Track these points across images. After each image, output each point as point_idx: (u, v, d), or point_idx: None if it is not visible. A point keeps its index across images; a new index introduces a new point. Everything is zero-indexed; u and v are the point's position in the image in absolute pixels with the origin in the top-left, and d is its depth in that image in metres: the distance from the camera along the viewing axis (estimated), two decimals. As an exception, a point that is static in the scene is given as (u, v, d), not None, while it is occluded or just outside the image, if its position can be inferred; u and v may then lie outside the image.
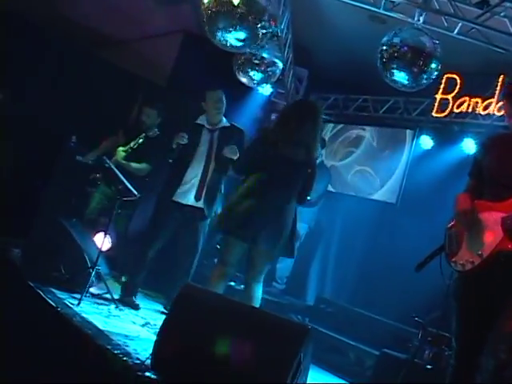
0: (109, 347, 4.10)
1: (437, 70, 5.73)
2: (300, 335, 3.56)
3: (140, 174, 6.74)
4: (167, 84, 9.58)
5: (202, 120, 6.10)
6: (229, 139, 5.91)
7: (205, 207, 5.95)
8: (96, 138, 7.65)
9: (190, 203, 5.95)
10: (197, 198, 5.94)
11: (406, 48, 5.56)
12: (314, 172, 4.83)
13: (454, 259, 3.62)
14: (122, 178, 5.74)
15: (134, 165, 6.73)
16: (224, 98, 6.07)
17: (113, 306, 5.57)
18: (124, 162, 6.66)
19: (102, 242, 5.77)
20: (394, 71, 5.71)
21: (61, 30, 8.34)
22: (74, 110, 8.32)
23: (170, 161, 6.00)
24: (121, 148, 6.78)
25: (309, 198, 4.91)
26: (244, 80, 7.40)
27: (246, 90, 8.43)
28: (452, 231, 3.72)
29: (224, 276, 4.81)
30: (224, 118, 6.12)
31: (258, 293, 4.78)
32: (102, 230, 6.08)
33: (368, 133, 8.91)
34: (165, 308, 6.10)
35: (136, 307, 5.87)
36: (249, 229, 4.58)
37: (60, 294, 5.23)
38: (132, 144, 6.71)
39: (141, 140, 6.71)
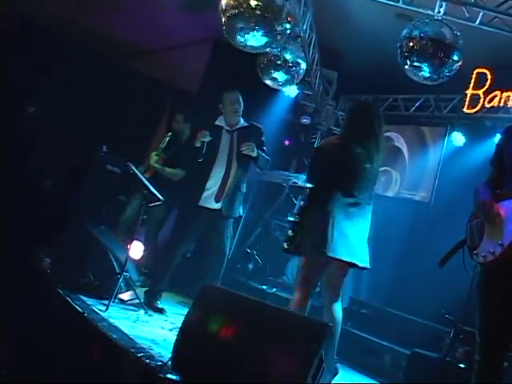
0: (132, 350, 4.10)
1: (458, 62, 5.59)
2: (320, 333, 3.47)
3: (174, 179, 6.94)
4: (198, 92, 9.62)
5: (220, 121, 6.06)
6: (248, 139, 5.88)
7: (223, 207, 5.91)
8: (126, 148, 7.72)
9: (211, 206, 5.92)
10: (216, 200, 5.91)
11: (426, 40, 5.44)
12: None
13: (475, 251, 3.52)
14: (147, 182, 5.77)
15: (168, 169, 6.97)
16: (241, 99, 6.02)
17: (142, 312, 5.57)
18: (157, 165, 6.85)
19: (133, 249, 5.78)
20: (415, 64, 5.59)
21: (89, 42, 8.45)
22: (104, 120, 8.42)
23: (200, 160, 5.91)
24: (154, 152, 6.94)
25: None
26: (268, 82, 7.35)
27: (274, 94, 8.40)
28: (473, 223, 3.63)
29: (309, 299, 4.57)
30: (242, 119, 6.09)
31: (340, 312, 4.61)
32: (135, 239, 6.12)
33: (396, 133, 8.80)
34: None
35: (161, 311, 5.86)
36: (337, 244, 4.36)
37: (88, 301, 5.24)
38: (161, 144, 6.84)
39: (167, 139, 6.84)
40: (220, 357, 3.53)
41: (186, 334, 3.72)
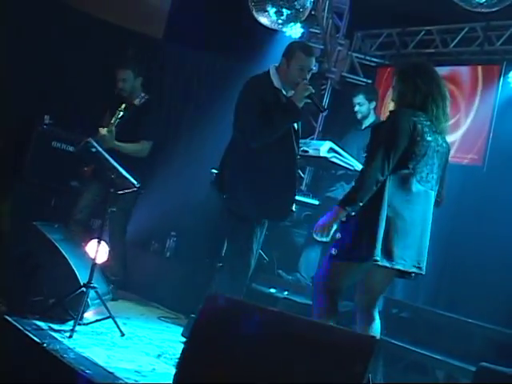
0: (115, 389, 4.09)
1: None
2: (365, 350, 3.44)
3: (140, 156, 6.82)
4: (164, 35, 9.58)
5: (278, 83, 5.63)
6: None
7: None
8: (78, 116, 7.64)
9: None
10: None
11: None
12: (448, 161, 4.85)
13: None
14: (115, 164, 5.70)
15: (130, 146, 6.81)
16: None
17: (117, 334, 5.56)
18: (116, 143, 6.71)
19: (96, 251, 5.72)
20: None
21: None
22: (42, 82, 8.30)
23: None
24: (104, 129, 6.76)
25: None
26: (264, 20, 7.27)
27: (269, 34, 8.33)
28: None
29: (336, 304, 4.75)
30: None
31: (378, 321, 4.80)
32: (95, 237, 6.07)
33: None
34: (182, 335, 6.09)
35: None
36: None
37: (45, 326, 5.20)
38: (113, 120, 6.69)
39: (121, 113, 6.67)
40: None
41: (188, 362, 3.69)
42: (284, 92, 5.58)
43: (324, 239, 4.53)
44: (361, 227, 4.43)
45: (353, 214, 4.42)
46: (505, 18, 7.75)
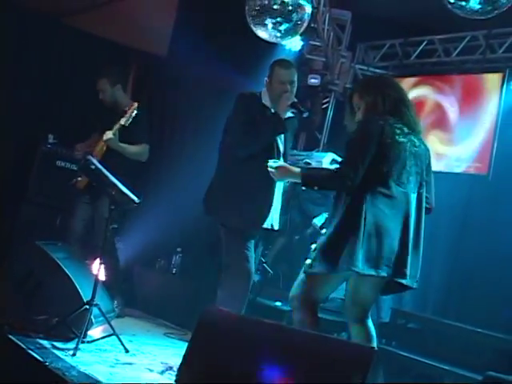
0: (115, 406, 4.09)
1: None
2: (364, 361, 3.45)
3: (141, 159, 6.97)
4: (167, 53, 9.58)
5: (266, 99, 5.74)
6: (291, 135, 5.87)
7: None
8: (81, 134, 7.66)
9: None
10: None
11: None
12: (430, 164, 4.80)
13: None
14: (115, 180, 5.71)
15: (132, 147, 6.89)
16: None
17: (122, 351, 5.55)
18: (120, 144, 6.76)
19: (98, 269, 5.72)
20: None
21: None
22: (47, 100, 8.33)
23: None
24: (110, 132, 6.74)
25: None
26: (263, 34, 7.27)
27: (270, 48, 8.34)
28: None
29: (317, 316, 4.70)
30: None
31: (373, 328, 4.74)
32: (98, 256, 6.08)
33: (435, 87, 8.76)
34: None
35: None
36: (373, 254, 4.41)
37: (49, 344, 5.20)
38: (113, 130, 6.68)
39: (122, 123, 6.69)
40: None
41: (185, 372, 3.70)
42: (272, 110, 5.64)
43: (274, 178, 4.77)
44: (339, 237, 4.38)
45: (303, 188, 4.59)
46: (506, 26, 7.76)
